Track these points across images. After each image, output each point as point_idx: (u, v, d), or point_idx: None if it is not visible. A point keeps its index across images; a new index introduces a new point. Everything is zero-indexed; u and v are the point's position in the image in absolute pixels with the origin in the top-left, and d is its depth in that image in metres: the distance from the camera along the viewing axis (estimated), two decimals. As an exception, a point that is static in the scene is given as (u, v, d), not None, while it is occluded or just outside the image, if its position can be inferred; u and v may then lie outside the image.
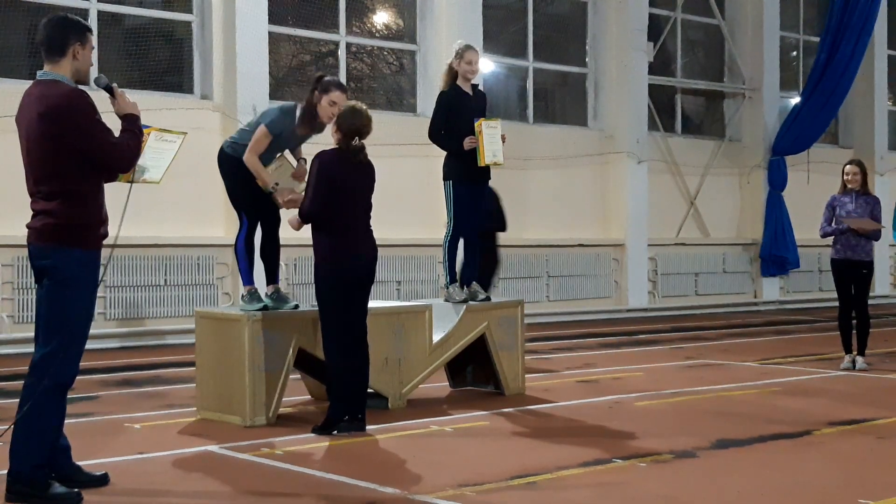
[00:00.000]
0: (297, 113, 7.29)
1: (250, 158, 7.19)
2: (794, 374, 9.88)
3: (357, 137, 6.79)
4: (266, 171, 7.19)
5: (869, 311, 10.20)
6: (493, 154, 8.31)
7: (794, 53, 20.76)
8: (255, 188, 7.27)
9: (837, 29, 18.67)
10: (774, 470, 5.85)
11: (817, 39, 19.59)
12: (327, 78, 7.31)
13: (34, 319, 5.21)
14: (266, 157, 7.23)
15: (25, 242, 5.19)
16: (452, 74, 8.43)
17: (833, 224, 9.99)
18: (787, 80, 19.99)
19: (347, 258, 6.74)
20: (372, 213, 6.95)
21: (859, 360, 10.11)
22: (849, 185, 10.04)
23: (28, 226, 5.13)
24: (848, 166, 10.13)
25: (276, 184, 7.19)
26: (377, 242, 6.94)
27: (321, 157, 6.72)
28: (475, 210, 8.58)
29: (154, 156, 5.60)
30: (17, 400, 5.12)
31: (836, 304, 10.25)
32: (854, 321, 10.13)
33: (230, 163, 7.37)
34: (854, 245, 9.96)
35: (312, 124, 7.34)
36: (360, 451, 6.14)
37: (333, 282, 6.73)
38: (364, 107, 6.88)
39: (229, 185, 7.45)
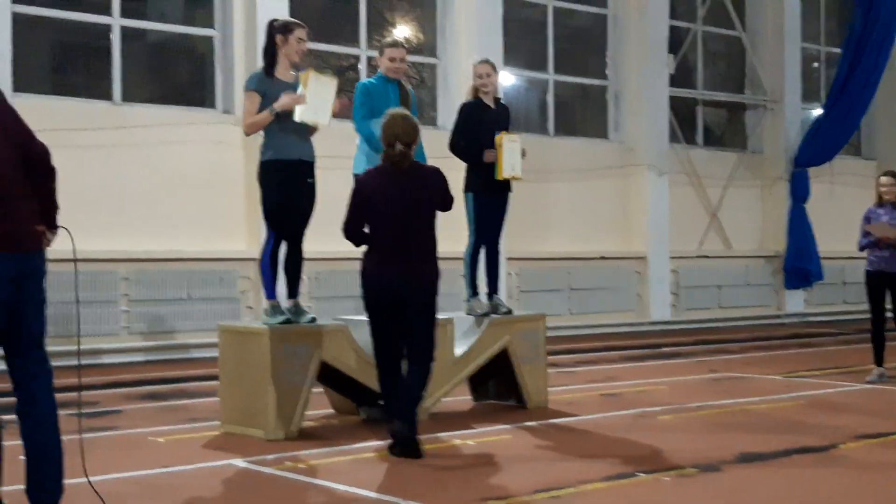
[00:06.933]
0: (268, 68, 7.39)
1: (246, 125, 7.24)
2: (819, 388, 9.82)
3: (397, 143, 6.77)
4: (263, 114, 7.12)
5: None
6: (511, 168, 8.37)
7: (816, 64, 20.67)
8: (285, 198, 7.25)
9: (859, 40, 18.54)
10: (799, 484, 5.81)
11: (839, 51, 19.48)
12: (281, 20, 7.59)
13: None
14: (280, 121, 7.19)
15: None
16: (474, 87, 8.51)
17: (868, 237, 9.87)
18: (809, 91, 19.90)
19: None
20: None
21: None
22: (884, 197, 9.90)
23: None
24: (883, 178, 9.97)
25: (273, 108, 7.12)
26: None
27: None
28: (496, 222, 8.62)
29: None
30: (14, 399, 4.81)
31: (861, 316, 10.15)
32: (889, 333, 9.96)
33: (260, 168, 7.36)
34: (887, 257, 9.81)
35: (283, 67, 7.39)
36: (382, 465, 6.13)
37: None
38: (398, 111, 6.81)
39: (261, 193, 7.43)
